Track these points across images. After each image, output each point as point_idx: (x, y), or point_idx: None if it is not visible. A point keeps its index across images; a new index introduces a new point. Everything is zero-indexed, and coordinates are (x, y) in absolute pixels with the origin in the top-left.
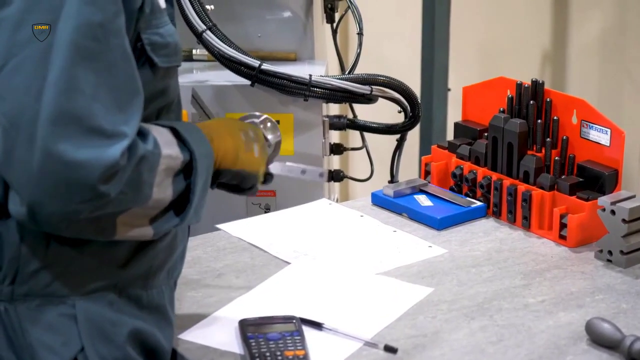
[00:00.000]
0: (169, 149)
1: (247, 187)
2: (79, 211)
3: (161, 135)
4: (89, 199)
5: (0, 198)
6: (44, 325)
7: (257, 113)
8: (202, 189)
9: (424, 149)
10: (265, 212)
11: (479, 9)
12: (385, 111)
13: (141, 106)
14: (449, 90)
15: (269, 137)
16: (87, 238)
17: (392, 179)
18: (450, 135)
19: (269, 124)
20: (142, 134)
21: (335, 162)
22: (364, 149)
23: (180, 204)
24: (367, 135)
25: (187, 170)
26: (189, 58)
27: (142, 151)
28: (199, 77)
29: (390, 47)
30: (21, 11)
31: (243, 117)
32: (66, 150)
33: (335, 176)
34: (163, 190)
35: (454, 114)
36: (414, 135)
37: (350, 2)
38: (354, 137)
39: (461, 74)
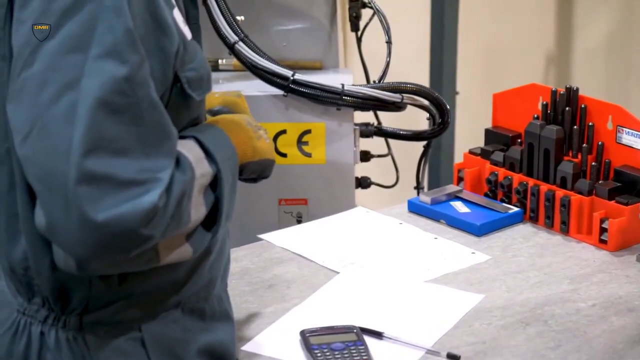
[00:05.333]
0: (200, 168)
1: (266, 176)
2: (126, 256)
3: (191, 153)
4: (135, 245)
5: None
6: (112, 351)
7: (229, 91)
8: (230, 194)
9: (434, 153)
10: (298, 221)
11: (483, 11)
12: (399, 117)
13: (173, 148)
14: (457, 93)
15: None
16: (133, 271)
17: (418, 185)
18: (459, 139)
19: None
20: (177, 163)
21: (358, 169)
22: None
23: (210, 215)
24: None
25: (214, 181)
26: (215, 68)
27: (181, 184)
28: (228, 87)
29: (397, 51)
30: (44, 70)
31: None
32: (101, 211)
33: (363, 183)
34: (198, 210)
35: (463, 117)
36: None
37: (378, 10)
38: (369, 144)
39: (467, 77)
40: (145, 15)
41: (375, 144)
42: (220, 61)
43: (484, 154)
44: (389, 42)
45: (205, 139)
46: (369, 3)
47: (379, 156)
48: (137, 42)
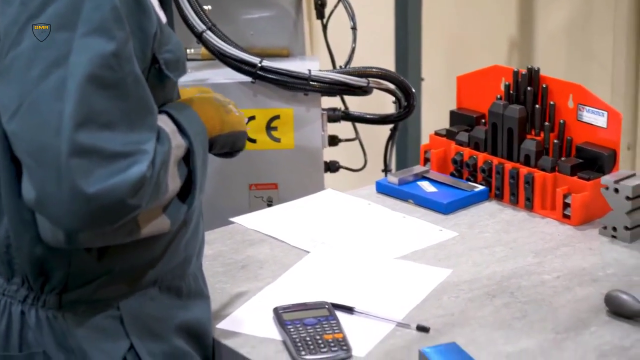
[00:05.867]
0: (175, 140)
1: (238, 149)
2: (113, 226)
3: (166, 125)
4: (123, 215)
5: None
6: (92, 328)
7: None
8: (202, 167)
9: (401, 138)
10: (268, 205)
11: None
12: (365, 102)
13: (155, 123)
14: (423, 80)
15: None
16: (115, 243)
17: (386, 168)
18: (425, 124)
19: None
20: (157, 135)
21: (326, 154)
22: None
23: (183, 189)
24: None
25: (186, 155)
26: None
27: (161, 155)
28: (197, 76)
29: (363, 40)
30: (32, 48)
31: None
32: (93, 183)
33: (332, 167)
34: (174, 180)
35: (428, 103)
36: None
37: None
38: (337, 129)
39: (432, 64)
40: None
41: (344, 129)
42: (188, 51)
43: (450, 134)
44: (354, 29)
45: (176, 114)
46: None
47: (347, 140)
48: (123, 19)
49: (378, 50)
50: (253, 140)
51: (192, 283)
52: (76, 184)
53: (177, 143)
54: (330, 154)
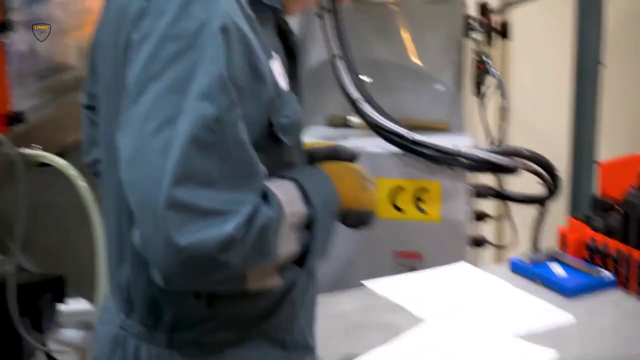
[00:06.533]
0: (293, 207)
1: (364, 225)
2: (207, 279)
3: (285, 193)
4: (213, 269)
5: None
6: None
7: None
8: (325, 235)
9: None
10: None
11: (630, 80)
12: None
13: (258, 185)
14: (595, 163)
15: None
16: (216, 290)
17: (535, 247)
18: None
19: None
20: (266, 199)
21: (485, 229)
22: (503, 217)
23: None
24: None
25: (311, 222)
26: (345, 124)
27: (264, 219)
28: (354, 143)
29: (540, 118)
30: (149, 108)
31: (327, 147)
32: (184, 235)
33: (479, 242)
34: (288, 245)
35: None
36: (559, 206)
37: (500, 80)
38: (494, 204)
39: (613, 145)
40: (245, 66)
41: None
42: (351, 119)
43: (586, 219)
44: (506, 109)
45: (305, 181)
46: (490, 70)
47: (495, 218)
48: (229, 86)
49: (552, 130)
50: (400, 210)
51: (299, 337)
52: (169, 234)
53: (294, 211)
54: (482, 229)
